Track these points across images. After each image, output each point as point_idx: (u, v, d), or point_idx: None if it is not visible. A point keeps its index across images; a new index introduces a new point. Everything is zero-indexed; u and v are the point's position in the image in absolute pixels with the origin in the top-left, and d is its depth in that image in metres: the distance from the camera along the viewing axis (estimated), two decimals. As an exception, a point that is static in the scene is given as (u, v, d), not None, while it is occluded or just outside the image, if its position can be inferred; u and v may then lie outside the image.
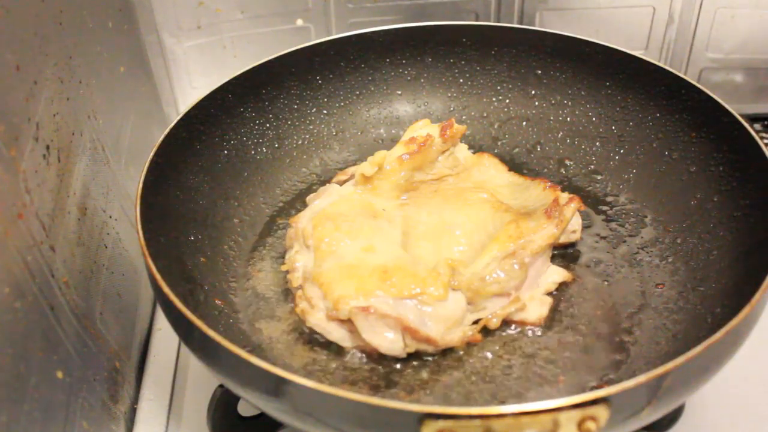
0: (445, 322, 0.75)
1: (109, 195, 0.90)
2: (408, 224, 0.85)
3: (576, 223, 0.87)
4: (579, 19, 1.26)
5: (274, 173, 1.00)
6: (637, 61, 0.97)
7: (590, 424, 0.56)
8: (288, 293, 0.84)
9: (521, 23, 1.26)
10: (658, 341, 0.77)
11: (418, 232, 0.84)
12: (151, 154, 0.82)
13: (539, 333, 0.79)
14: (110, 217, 0.90)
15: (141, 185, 0.78)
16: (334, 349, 0.77)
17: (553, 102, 1.05)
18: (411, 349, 0.75)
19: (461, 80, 1.08)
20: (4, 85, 0.67)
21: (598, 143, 1.01)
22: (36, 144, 0.71)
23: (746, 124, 0.84)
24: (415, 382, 0.74)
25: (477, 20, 1.26)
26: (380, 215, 0.85)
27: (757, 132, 0.91)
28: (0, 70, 0.67)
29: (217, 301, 0.80)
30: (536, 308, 0.80)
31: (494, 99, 1.08)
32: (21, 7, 0.72)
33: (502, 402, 0.72)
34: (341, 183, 0.92)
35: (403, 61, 1.08)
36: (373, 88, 1.08)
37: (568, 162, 1.01)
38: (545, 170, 1.01)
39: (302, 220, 0.85)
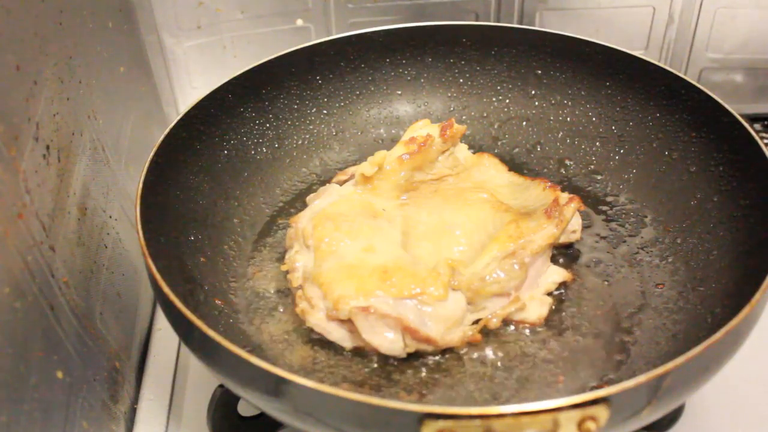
0: (445, 322, 0.75)
1: (109, 195, 0.90)
2: (408, 224, 0.85)
3: (576, 223, 0.87)
4: (579, 19, 1.26)
5: (274, 173, 1.00)
6: (637, 61, 0.97)
7: (590, 424, 0.56)
8: (288, 293, 0.84)
9: (521, 23, 1.26)
10: (658, 341, 0.77)
11: (418, 232, 0.84)
12: (151, 154, 0.82)
13: (539, 333, 0.79)
14: (110, 217, 0.90)
15: (141, 185, 0.78)
16: (334, 349, 0.77)
17: (553, 102, 1.05)
18: (411, 349, 0.75)
19: (461, 80, 1.08)
20: (4, 85, 0.67)
21: (598, 143, 1.01)
22: (36, 144, 0.71)
23: (746, 124, 0.84)
24: (415, 382, 0.74)
25: (477, 20, 1.26)
26: (380, 215, 0.85)
27: (757, 132, 0.91)
28: (0, 70, 0.67)
29: (217, 301, 0.80)
30: (536, 308, 0.80)
31: (494, 99, 1.08)
32: (21, 7, 0.72)
33: (502, 402, 0.72)
34: (341, 183, 0.92)
35: (403, 61, 1.08)
36: (373, 88, 1.08)
37: (568, 162, 1.01)
38: (545, 170, 1.01)
39: (302, 220, 0.85)
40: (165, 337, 0.94)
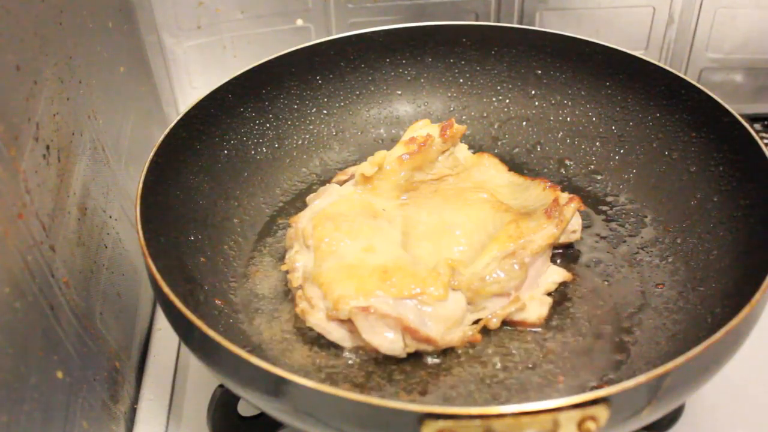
0: (445, 322, 0.75)
1: (109, 195, 0.90)
2: (408, 224, 0.85)
3: (576, 223, 0.87)
4: (579, 19, 1.26)
5: (274, 173, 1.00)
6: (637, 61, 0.97)
7: (590, 424, 0.56)
8: (288, 293, 0.84)
9: (521, 23, 1.26)
10: (658, 341, 0.77)
11: (418, 232, 0.84)
12: (151, 154, 0.82)
13: (539, 333, 0.79)
14: (110, 217, 0.90)
15: (141, 185, 0.78)
16: (334, 349, 0.77)
17: (553, 102, 1.05)
18: (411, 349, 0.75)
19: (461, 80, 1.08)
20: (4, 85, 0.67)
21: (598, 143, 1.01)
22: (36, 144, 0.71)
23: (746, 124, 0.84)
24: (415, 382, 0.74)
25: (477, 20, 1.26)
26: (380, 215, 0.85)
27: (757, 132, 0.91)
28: (0, 70, 0.67)
29: (217, 301, 0.80)
30: (536, 308, 0.80)
31: (494, 99, 1.08)
32: (21, 7, 0.72)
33: (502, 402, 0.72)
34: (341, 183, 0.92)
35: (403, 61, 1.08)
36: (373, 88, 1.08)
37: (568, 162, 1.01)
38: (545, 170, 1.01)
39: (302, 220, 0.85)
40: (165, 337, 0.94)
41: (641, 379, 0.58)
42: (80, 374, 0.73)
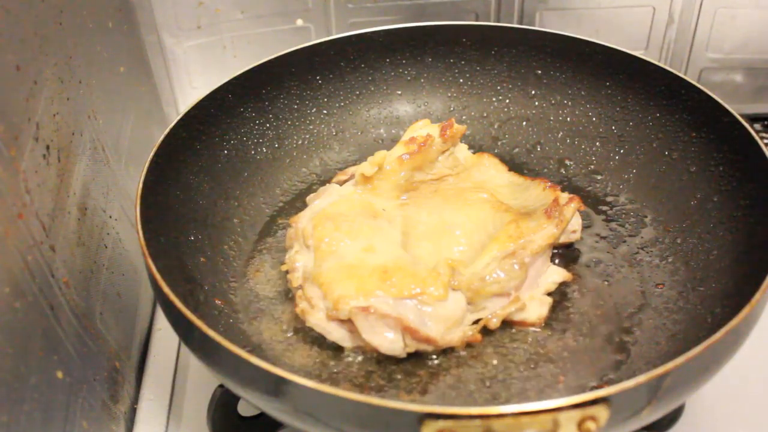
0: (445, 322, 0.75)
1: (109, 195, 0.90)
2: (408, 224, 0.85)
3: (576, 223, 0.87)
4: (579, 19, 1.26)
5: (274, 173, 1.00)
6: (637, 61, 0.97)
7: (590, 424, 0.56)
8: (288, 293, 0.84)
9: (521, 23, 1.26)
10: (658, 341, 0.77)
11: (418, 232, 0.84)
12: (151, 154, 0.82)
13: (539, 333, 0.79)
14: (110, 217, 0.90)
15: (141, 185, 0.78)
16: (334, 349, 0.77)
17: (553, 102, 1.05)
18: (411, 349, 0.75)
19: (461, 80, 1.08)
20: (4, 85, 0.67)
21: (598, 143, 1.01)
22: (36, 144, 0.71)
23: (746, 124, 0.84)
24: (415, 382, 0.74)
25: (477, 20, 1.26)
26: (380, 215, 0.85)
27: (757, 132, 0.91)
28: (0, 70, 0.67)
29: (217, 301, 0.80)
30: (536, 308, 0.80)
31: (494, 99, 1.07)
32: (21, 7, 0.72)
33: (502, 402, 0.72)
34: (341, 183, 0.92)
35: (403, 61, 1.08)
36: (373, 88, 1.08)
37: (568, 162, 1.01)
38: (545, 170, 1.01)
39: (302, 220, 0.85)
40: (165, 337, 0.94)
41: (641, 379, 0.58)
42: (80, 374, 0.73)
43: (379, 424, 0.59)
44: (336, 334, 0.76)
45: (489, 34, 1.06)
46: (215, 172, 0.92)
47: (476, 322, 0.78)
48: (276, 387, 0.61)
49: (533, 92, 1.06)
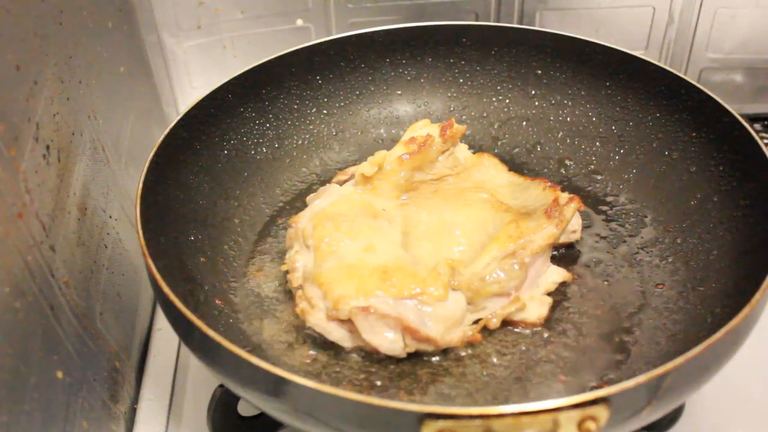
0: (445, 322, 0.75)
1: (109, 195, 0.90)
2: (408, 224, 0.85)
3: (576, 223, 0.87)
4: (579, 19, 1.26)
5: (274, 173, 1.00)
6: (637, 61, 0.97)
7: (590, 424, 0.56)
8: (288, 293, 0.84)
9: (521, 23, 1.26)
10: (658, 341, 0.77)
11: (418, 232, 0.84)
12: (151, 154, 0.82)
13: (539, 333, 0.79)
14: (110, 217, 0.90)
15: (141, 185, 0.78)
16: (334, 349, 0.77)
17: (553, 102, 1.05)
18: (411, 349, 0.75)
19: (461, 80, 1.08)
20: (4, 85, 0.67)
21: (598, 143, 1.01)
22: (36, 144, 0.71)
23: (746, 124, 0.84)
24: (415, 382, 0.74)
25: (477, 20, 1.26)
26: (380, 215, 0.85)
27: (757, 132, 0.91)
28: (0, 70, 0.67)
29: (217, 301, 0.80)
30: (536, 308, 0.80)
31: (494, 99, 1.08)
32: (21, 7, 0.72)
33: (502, 402, 0.72)
34: (341, 183, 0.92)
35: (403, 61, 1.08)
36: (373, 88, 1.08)
37: (568, 162, 1.01)
38: (545, 170, 1.01)
39: (302, 220, 0.85)
40: (165, 337, 0.94)
41: (641, 379, 0.58)
42: (80, 374, 0.73)
43: (379, 424, 0.59)
44: (336, 334, 0.76)
45: (489, 34, 1.06)
46: (215, 172, 0.92)
47: (476, 322, 0.78)
48: (276, 387, 0.61)
49: (533, 92, 1.06)
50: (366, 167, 0.88)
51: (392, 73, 1.08)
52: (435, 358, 0.76)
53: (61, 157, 0.77)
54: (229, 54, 1.25)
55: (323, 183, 0.98)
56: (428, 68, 1.08)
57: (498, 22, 1.26)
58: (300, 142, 1.03)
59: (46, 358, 0.67)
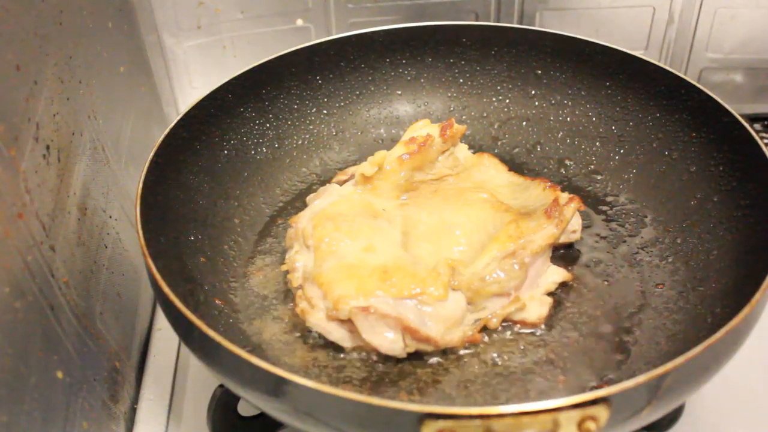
0: (445, 322, 0.75)
1: (109, 195, 0.90)
2: (408, 224, 0.85)
3: (576, 223, 0.87)
4: (579, 19, 1.26)
5: (274, 173, 1.00)
6: (637, 61, 0.97)
7: (590, 424, 0.56)
8: (288, 293, 0.84)
9: (521, 23, 1.26)
10: (658, 341, 0.77)
11: (418, 232, 0.84)
12: (151, 154, 0.82)
13: (539, 333, 0.79)
14: (110, 217, 0.90)
15: (141, 185, 0.78)
16: (334, 349, 0.77)
17: (553, 102, 1.05)
18: (411, 349, 0.75)
19: (461, 80, 1.08)
20: (4, 85, 0.67)
21: (598, 143, 1.01)
22: (36, 144, 0.71)
23: (746, 124, 0.84)
24: (415, 382, 0.74)
25: (477, 20, 1.26)
26: (380, 215, 0.85)
27: (757, 132, 0.91)
28: (0, 70, 0.67)
29: (217, 301, 0.80)
30: (536, 308, 0.80)
31: (494, 99, 1.08)
32: (21, 7, 0.72)
33: (502, 402, 0.72)
34: (341, 183, 0.92)
35: (403, 61, 1.08)
36: (373, 88, 1.08)
37: (568, 162, 1.01)
38: (545, 170, 1.01)
39: (302, 220, 0.85)
40: (165, 337, 0.94)
41: (641, 379, 0.58)
42: (80, 374, 0.73)
43: (379, 424, 0.59)
44: (336, 334, 0.76)
45: (489, 34, 1.06)
46: (215, 172, 0.92)
47: (476, 322, 0.78)
48: (276, 387, 0.61)
49: (533, 92, 1.06)
50: (366, 167, 0.88)
51: (392, 73, 1.08)
52: (435, 358, 0.76)
53: (61, 157, 0.77)
54: (229, 54, 1.25)
55: (323, 183, 0.98)
56: (428, 68, 1.08)
57: (498, 22, 1.26)
58: (300, 142, 1.03)
59: (46, 358, 0.67)
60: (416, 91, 1.09)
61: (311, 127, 1.05)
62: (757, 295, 0.65)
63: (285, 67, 1.01)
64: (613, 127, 1.00)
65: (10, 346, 0.61)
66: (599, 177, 0.98)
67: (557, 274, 0.83)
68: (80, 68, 0.86)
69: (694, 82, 0.91)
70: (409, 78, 1.09)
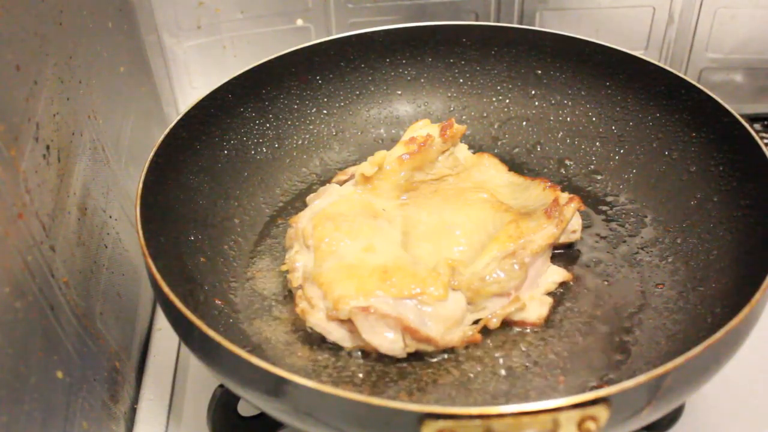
0: (445, 322, 0.75)
1: (109, 195, 0.90)
2: (408, 224, 0.85)
3: (576, 223, 0.87)
4: (579, 19, 1.26)
5: (274, 173, 1.00)
6: (637, 61, 0.97)
7: (590, 424, 0.56)
8: (288, 293, 0.84)
9: (521, 23, 1.26)
10: (658, 341, 0.77)
11: (418, 232, 0.84)
12: (151, 154, 0.82)
13: (539, 333, 0.79)
14: (110, 217, 0.90)
15: (141, 185, 0.78)
16: (334, 349, 0.77)
17: (553, 102, 1.05)
18: (411, 349, 0.75)
19: (461, 80, 1.08)
20: (4, 85, 0.67)
21: (598, 143, 1.01)
22: (36, 144, 0.71)
23: (746, 124, 0.84)
24: (415, 382, 0.74)
25: (477, 20, 1.26)
26: (380, 215, 0.85)
27: (757, 132, 0.91)
28: (0, 70, 0.67)
29: (217, 301, 0.80)
30: (536, 308, 0.80)
31: (494, 99, 1.08)
32: (21, 7, 0.72)
33: (502, 402, 0.72)
34: (341, 183, 0.92)
35: (403, 61, 1.08)
36: (373, 88, 1.08)
37: (568, 162, 1.01)
38: (545, 170, 1.01)
39: (302, 220, 0.85)
40: (165, 337, 0.94)
41: (641, 379, 0.58)
42: (80, 374, 0.73)
43: (379, 424, 0.59)
44: (336, 334, 0.76)
45: (489, 34, 1.06)
46: (215, 172, 0.92)
47: (476, 322, 0.78)
48: (276, 387, 0.61)
49: (533, 92, 1.06)
50: (366, 167, 0.88)
51: (392, 73, 1.08)
52: (435, 358, 0.76)
53: (61, 157, 0.77)
54: (229, 54, 1.25)
55: (323, 183, 0.98)
56: (428, 68, 1.08)
57: (498, 22, 1.26)
58: (300, 142, 1.03)
59: (46, 358, 0.67)
60: (416, 91, 1.09)
61: (311, 127, 1.05)
62: (757, 295, 0.65)
63: (285, 67, 1.01)
64: (613, 127, 1.00)
65: (10, 346, 0.61)
66: (599, 177, 0.98)
67: (557, 274, 0.83)
68: (80, 68, 0.86)
69: (694, 82, 0.91)
70: (409, 78, 1.09)
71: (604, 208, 0.94)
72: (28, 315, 0.65)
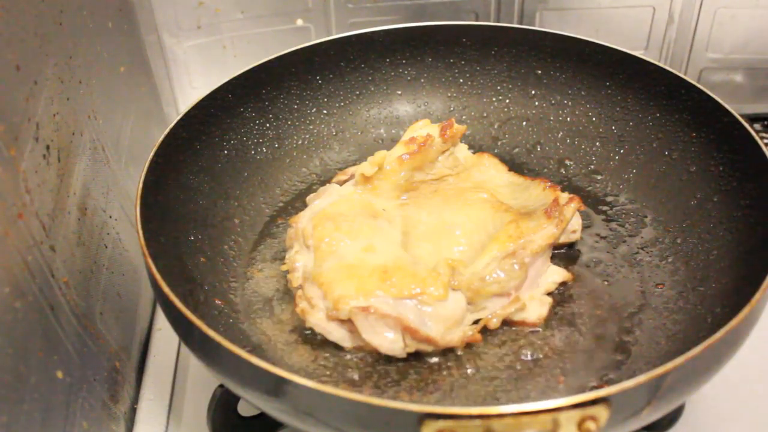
0: (445, 322, 0.75)
1: (109, 195, 0.90)
2: (408, 224, 0.85)
3: (576, 223, 0.87)
4: (579, 19, 1.26)
5: (274, 173, 1.00)
6: (637, 61, 0.97)
7: (590, 424, 0.56)
8: (288, 293, 0.84)
9: (521, 23, 1.26)
10: (658, 341, 0.77)
11: (418, 232, 0.84)
12: (151, 154, 0.82)
13: (539, 333, 0.79)
14: (110, 217, 0.90)
15: (141, 185, 0.78)
16: (334, 349, 0.77)
17: (553, 102, 1.05)
18: (411, 349, 0.75)
19: (461, 80, 1.08)
20: (4, 85, 0.67)
21: (598, 143, 1.01)
22: (36, 144, 0.71)
23: (746, 124, 0.84)
24: (415, 382, 0.74)
25: (477, 20, 1.26)
26: (380, 215, 0.85)
27: (757, 132, 0.91)
28: (0, 70, 0.67)
29: (217, 301, 0.80)
30: (536, 308, 0.80)
31: (494, 99, 1.08)
32: (21, 7, 0.72)
33: (502, 402, 0.72)
34: (341, 183, 0.92)
35: (403, 61, 1.08)
36: (373, 88, 1.08)
37: (568, 162, 1.01)
38: (545, 170, 1.01)
39: (302, 220, 0.85)
40: (165, 337, 0.94)
41: (641, 379, 0.58)
42: (80, 374, 0.73)
43: (379, 424, 0.59)
44: (336, 334, 0.76)
45: (489, 34, 1.06)
46: (215, 172, 0.92)
47: (476, 322, 0.78)
48: (276, 387, 0.61)
49: (533, 92, 1.06)
50: (366, 167, 0.88)
51: (392, 73, 1.08)
52: (435, 358, 0.76)
53: (61, 157, 0.77)
54: (229, 54, 1.25)
55: (323, 183, 0.98)
56: (428, 68, 1.08)
57: (498, 22, 1.26)
58: (300, 142, 1.03)
59: (46, 358, 0.67)
60: (416, 91, 1.09)
61: (311, 127, 1.05)
62: (757, 295, 0.65)
63: (285, 67, 1.01)
64: (613, 127, 1.00)
65: (10, 346, 0.61)
66: (599, 177, 0.98)
67: (557, 274, 0.83)
68: (80, 68, 0.86)
69: (694, 82, 0.91)
70: (409, 78, 1.09)
71: (604, 208, 0.94)
72: (28, 315, 0.65)
